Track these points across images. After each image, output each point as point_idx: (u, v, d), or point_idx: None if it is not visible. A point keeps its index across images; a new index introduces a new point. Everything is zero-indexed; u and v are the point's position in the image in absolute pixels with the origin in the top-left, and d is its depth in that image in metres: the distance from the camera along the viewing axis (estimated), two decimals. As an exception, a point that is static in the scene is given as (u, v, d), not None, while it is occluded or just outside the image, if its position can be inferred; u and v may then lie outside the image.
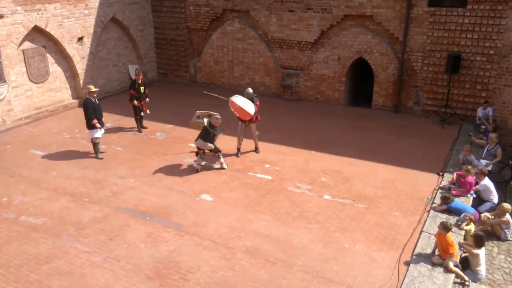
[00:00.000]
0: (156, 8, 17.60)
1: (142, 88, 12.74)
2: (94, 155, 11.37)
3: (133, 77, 17.24)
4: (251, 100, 10.98)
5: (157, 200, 9.32)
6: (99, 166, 10.87)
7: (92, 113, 10.86)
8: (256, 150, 11.51)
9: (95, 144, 11.18)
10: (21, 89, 13.68)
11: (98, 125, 10.96)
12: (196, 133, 10.69)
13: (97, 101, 11.11)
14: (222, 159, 10.58)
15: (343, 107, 14.95)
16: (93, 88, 11.15)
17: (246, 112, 10.65)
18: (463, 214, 8.11)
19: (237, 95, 10.93)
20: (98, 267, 7.26)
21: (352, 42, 14.30)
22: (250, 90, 11.18)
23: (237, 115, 10.73)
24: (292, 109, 14.75)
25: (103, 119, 11.29)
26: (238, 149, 11.38)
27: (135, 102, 12.60)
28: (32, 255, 7.60)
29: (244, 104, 10.69)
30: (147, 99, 12.95)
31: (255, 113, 10.86)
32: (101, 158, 11.21)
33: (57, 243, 7.92)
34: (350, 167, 10.70)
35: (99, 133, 11.15)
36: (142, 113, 12.92)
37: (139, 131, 12.97)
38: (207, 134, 10.18)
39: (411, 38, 13.40)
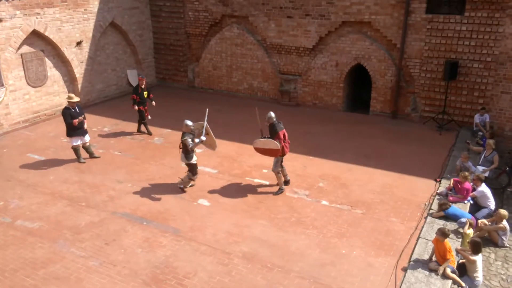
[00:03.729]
0: (155, 13, 17.66)
1: (145, 93, 12.82)
2: (90, 159, 11.39)
3: (132, 82, 17.43)
4: (272, 125, 9.45)
5: (154, 205, 9.30)
6: (96, 171, 10.84)
7: (70, 121, 10.69)
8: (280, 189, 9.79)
9: (75, 150, 11.15)
10: (19, 93, 13.67)
11: (79, 118, 10.70)
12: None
13: (77, 110, 10.86)
14: (187, 180, 9.75)
15: (341, 113, 14.97)
16: (74, 98, 10.88)
17: (273, 150, 9.30)
18: (464, 218, 8.11)
19: (256, 140, 9.52)
20: (94, 272, 7.23)
21: (350, 48, 14.36)
22: (272, 114, 9.49)
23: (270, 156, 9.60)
24: (290, 115, 14.74)
25: (85, 126, 11.06)
26: (281, 189, 9.73)
27: (136, 107, 12.66)
28: (28, 260, 7.57)
29: (265, 143, 9.34)
30: (153, 102, 13.01)
31: (282, 145, 9.35)
32: (84, 162, 11.20)
33: (53, 247, 7.89)
34: (348, 172, 10.70)
35: (79, 141, 11.07)
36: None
37: (149, 134, 13.06)
38: (184, 146, 9.45)
39: (409, 45, 13.46)
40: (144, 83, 12.77)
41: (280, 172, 9.70)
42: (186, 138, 9.33)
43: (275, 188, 9.86)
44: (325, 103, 15.34)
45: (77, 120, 10.73)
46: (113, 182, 10.28)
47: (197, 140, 9.49)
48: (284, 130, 9.53)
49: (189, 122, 9.52)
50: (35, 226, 8.55)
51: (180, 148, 9.61)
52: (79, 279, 7.07)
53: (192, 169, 9.68)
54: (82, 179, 10.45)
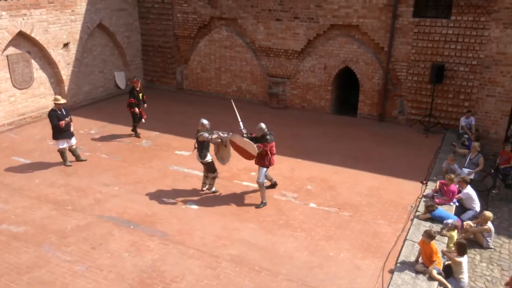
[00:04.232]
0: (143, 15, 17.57)
1: (140, 95, 12.82)
2: (77, 162, 11.29)
3: (119, 84, 17.33)
4: (263, 136, 9.11)
5: (141, 208, 9.23)
6: (82, 174, 10.74)
7: (57, 123, 10.60)
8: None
9: (62, 153, 11.05)
10: (4, 95, 13.48)
11: (66, 120, 10.62)
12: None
13: (64, 112, 10.76)
14: (212, 184, 9.80)
15: (329, 116, 15.05)
16: (60, 100, 10.80)
17: (248, 153, 9.03)
18: (450, 220, 8.18)
19: (237, 136, 9.27)
20: (80, 277, 7.15)
21: (338, 51, 14.44)
22: (263, 125, 9.15)
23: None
24: (278, 117, 14.79)
25: (71, 129, 10.96)
26: (264, 203, 9.34)
27: (136, 110, 12.65)
28: (12, 265, 7.45)
29: (244, 143, 9.02)
30: (145, 105, 13.05)
31: (266, 154, 9.01)
32: (70, 165, 11.10)
33: (38, 252, 7.79)
34: (335, 175, 10.75)
35: (66, 144, 10.96)
36: (142, 120, 13.04)
37: (138, 137, 12.98)
38: (199, 144, 9.46)
39: (396, 48, 13.58)
40: (139, 85, 12.77)
41: (264, 184, 9.38)
42: (202, 133, 9.26)
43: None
44: (314, 106, 15.41)
45: (63, 121, 10.61)
46: (100, 185, 10.19)
47: (225, 135, 9.32)
48: (273, 142, 9.23)
49: (205, 121, 9.41)
50: (20, 230, 8.43)
51: (195, 148, 9.58)
52: (64, 284, 6.99)
53: (210, 168, 9.63)
54: (68, 182, 10.34)
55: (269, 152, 9.10)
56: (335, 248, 7.94)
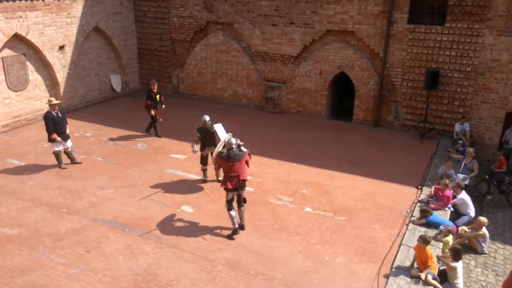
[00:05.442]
0: (140, 19, 17.58)
1: (158, 96, 13.02)
2: (72, 165, 11.24)
3: (115, 87, 17.33)
4: (230, 150, 8.16)
5: (136, 211, 9.20)
6: (77, 176, 10.69)
7: (51, 128, 10.61)
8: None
9: (57, 155, 11.01)
10: (-1, 97, 13.45)
11: (58, 138, 10.69)
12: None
13: (59, 114, 10.79)
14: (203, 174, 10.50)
15: (324, 120, 15.09)
16: (54, 101, 10.84)
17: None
18: (443, 225, 8.23)
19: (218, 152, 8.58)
20: (74, 280, 7.10)
21: (333, 56, 14.51)
22: (233, 140, 8.28)
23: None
24: (274, 122, 14.83)
25: (67, 131, 10.97)
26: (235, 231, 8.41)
27: (152, 112, 12.84)
28: (6, 268, 7.39)
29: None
30: (163, 106, 13.25)
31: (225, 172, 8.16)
32: (65, 168, 11.07)
33: (32, 255, 7.73)
34: (331, 179, 10.77)
35: (61, 146, 10.93)
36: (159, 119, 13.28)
37: (159, 137, 13.21)
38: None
39: (391, 54, 13.67)
40: (156, 87, 12.94)
41: (233, 212, 8.32)
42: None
43: (260, 195, 9.86)
44: (309, 111, 15.45)
45: (56, 136, 10.62)
46: (95, 188, 10.14)
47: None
48: (232, 163, 8.00)
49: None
50: (14, 233, 8.37)
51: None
52: (59, 287, 6.93)
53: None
54: (63, 185, 10.28)
55: (228, 171, 8.03)
56: (330, 252, 7.94)
